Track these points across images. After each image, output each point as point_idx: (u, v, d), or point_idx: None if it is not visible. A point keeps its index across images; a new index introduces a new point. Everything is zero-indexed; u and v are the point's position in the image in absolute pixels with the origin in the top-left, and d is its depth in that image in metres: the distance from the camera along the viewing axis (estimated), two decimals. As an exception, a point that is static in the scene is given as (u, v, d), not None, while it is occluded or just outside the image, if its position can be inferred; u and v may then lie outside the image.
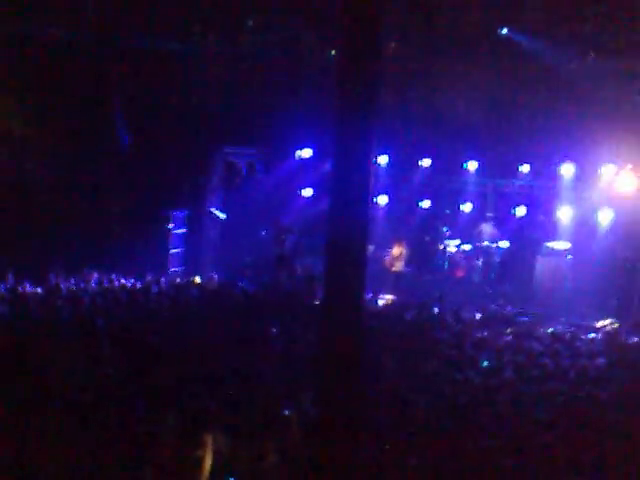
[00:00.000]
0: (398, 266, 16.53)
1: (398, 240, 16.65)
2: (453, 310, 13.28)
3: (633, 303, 14.54)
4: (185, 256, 17.15)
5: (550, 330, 13.42)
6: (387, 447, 6.85)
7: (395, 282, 16.36)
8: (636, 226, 15.23)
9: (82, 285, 12.95)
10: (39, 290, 12.20)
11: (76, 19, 15.55)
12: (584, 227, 16.59)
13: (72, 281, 13.05)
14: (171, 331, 10.16)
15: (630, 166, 15.78)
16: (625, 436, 7.30)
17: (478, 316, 13.54)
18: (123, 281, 13.73)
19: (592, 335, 13.23)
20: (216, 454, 6.27)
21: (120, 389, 7.30)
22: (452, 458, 6.84)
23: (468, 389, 8.96)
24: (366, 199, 7.07)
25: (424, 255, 17.94)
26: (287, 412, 6.86)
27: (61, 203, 15.61)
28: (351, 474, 6.20)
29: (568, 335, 12.29)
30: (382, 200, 18.07)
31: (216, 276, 15.98)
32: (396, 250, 16.55)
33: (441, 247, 17.83)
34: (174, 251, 16.91)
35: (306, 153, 18.16)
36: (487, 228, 17.70)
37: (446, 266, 17.74)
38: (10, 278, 12.50)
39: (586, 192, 16.63)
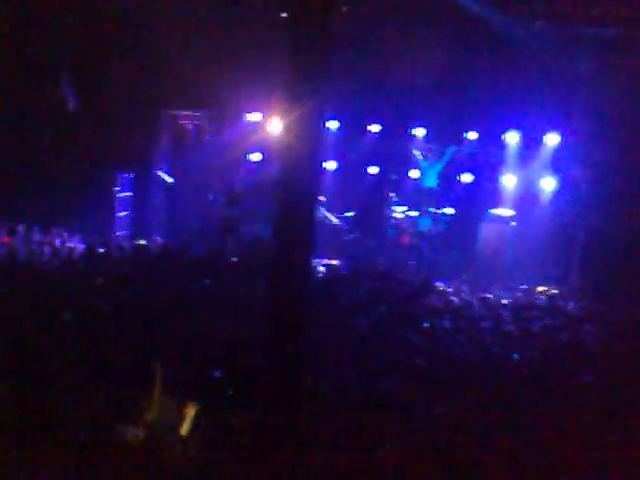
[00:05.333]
0: None
1: None
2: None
3: (572, 270, 14.89)
4: (131, 220, 16.98)
5: (490, 296, 13.74)
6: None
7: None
8: (578, 194, 15.54)
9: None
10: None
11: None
12: (528, 194, 16.87)
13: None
14: (113, 296, 10.04)
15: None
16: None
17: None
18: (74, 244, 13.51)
19: (530, 300, 13.59)
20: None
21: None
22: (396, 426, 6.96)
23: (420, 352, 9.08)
24: (317, 163, 7.11)
25: (370, 221, 18.05)
26: (218, 374, 6.92)
27: (6, 164, 15.31)
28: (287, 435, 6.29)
29: (509, 301, 12.57)
30: (331, 165, 18.10)
31: (160, 239, 15.87)
32: None
33: (388, 213, 17.96)
34: (121, 214, 16.72)
35: (255, 117, 18.05)
36: None
37: (392, 232, 17.89)
38: None
39: (530, 160, 16.90)
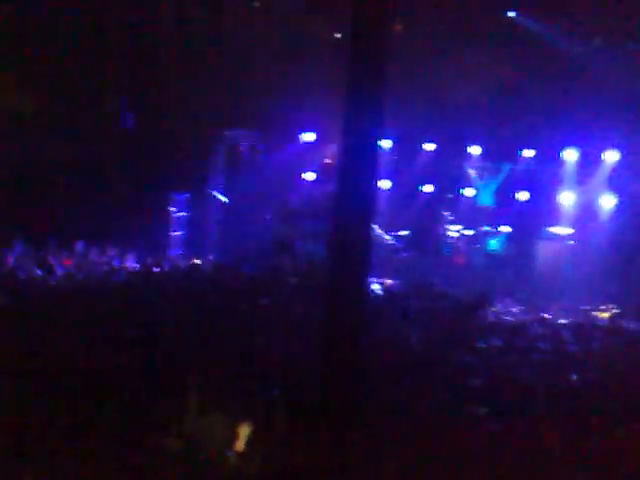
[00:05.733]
0: None
1: None
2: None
3: (633, 288, 14.55)
4: (186, 239, 17.14)
5: (548, 316, 13.45)
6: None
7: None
8: (637, 211, 15.23)
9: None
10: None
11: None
12: (586, 212, 16.58)
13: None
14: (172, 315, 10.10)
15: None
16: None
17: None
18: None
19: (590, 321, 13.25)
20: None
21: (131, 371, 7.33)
22: (447, 443, 6.79)
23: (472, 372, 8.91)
24: (372, 181, 7.05)
25: (425, 240, 17.92)
26: (275, 393, 6.82)
27: (63, 183, 15.63)
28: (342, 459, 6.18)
29: (568, 321, 12.28)
30: (385, 184, 18.00)
31: (214, 259, 15.97)
32: None
33: (443, 232, 17.81)
34: (176, 234, 16.89)
35: (309, 137, 18.10)
36: None
37: (447, 251, 17.73)
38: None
39: (589, 177, 16.62)
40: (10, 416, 6.23)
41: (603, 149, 16.21)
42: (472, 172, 17.87)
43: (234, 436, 6.30)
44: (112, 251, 13.76)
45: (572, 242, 16.54)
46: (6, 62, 15.38)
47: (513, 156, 17.40)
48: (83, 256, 13.16)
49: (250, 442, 6.31)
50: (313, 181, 18.17)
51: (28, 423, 6.16)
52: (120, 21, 16.05)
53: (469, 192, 18.08)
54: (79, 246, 13.21)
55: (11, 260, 12.06)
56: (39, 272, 11.38)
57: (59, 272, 11.72)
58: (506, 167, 17.60)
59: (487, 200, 17.88)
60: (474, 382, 8.43)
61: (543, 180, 17.16)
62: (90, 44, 15.88)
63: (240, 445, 6.27)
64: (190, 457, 6.12)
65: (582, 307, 14.22)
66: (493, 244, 17.38)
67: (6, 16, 15.13)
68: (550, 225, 16.74)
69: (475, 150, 17.66)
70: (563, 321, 12.34)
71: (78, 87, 15.74)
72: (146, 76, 16.34)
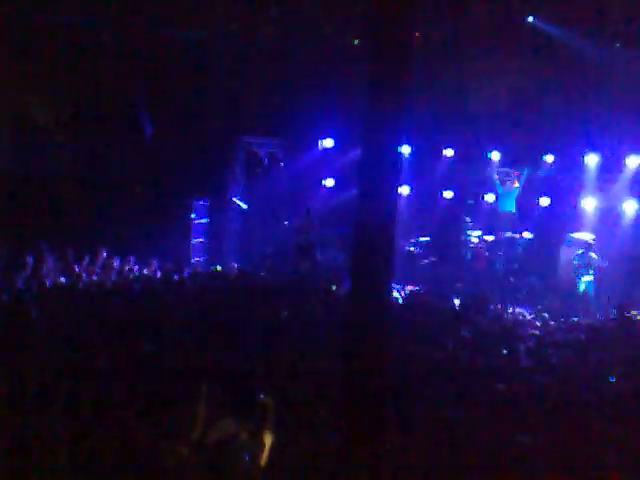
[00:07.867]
0: None
1: None
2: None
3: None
4: (207, 246, 17.18)
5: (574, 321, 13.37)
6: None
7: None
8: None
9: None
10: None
11: (98, 9, 15.71)
12: (608, 218, 16.45)
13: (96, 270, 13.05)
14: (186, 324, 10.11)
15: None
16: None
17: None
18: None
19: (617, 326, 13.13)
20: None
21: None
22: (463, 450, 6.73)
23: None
24: (394, 187, 7.01)
25: (446, 246, 17.83)
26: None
27: (84, 193, 15.73)
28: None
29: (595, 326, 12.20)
30: (404, 190, 17.95)
31: (236, 266, 15.99)
32: None
33: (463, 238, 17.71)
34: (196, 241, 16.93)
35: (328, 143, 18.10)
36: None
37: (468, 257, 17.63)
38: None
39: (610, 182, 16.48)
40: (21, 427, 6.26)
41: (625, 153, 16.08)
42: (495, 178, 17.76)
43: (255, 447, 6.26)
44: (133, 259, 13.81)
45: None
46: (29, 79, 15.56)
47: (534, 161, 17.29)
48: (105, 264, 13.21)
49: (273, 451, 6.28)
50: (333, 187, 18.16)
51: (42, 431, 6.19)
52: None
53: (490, 198, 17.99)
54: (101, 254, 13.25)
55: (29, 268, 12.07)
56: (63, 279, 11.44)
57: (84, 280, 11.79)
58: (526, 172, 17.48)
59: (509, 206, 17.77)
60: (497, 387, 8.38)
61: (564, 185, 17.04)
62: (108, 51, 16.01)
63: (262, 456, 6.23)
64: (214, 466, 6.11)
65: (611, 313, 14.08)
66: (515, 249, 17.23)
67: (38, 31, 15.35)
68: (572, 231, 16.61)
69: (495, 156, 17.57)
70: (590, 326, 12.28)
71: (97, 99, 15.86)
72: (165, 84, 16.41)
